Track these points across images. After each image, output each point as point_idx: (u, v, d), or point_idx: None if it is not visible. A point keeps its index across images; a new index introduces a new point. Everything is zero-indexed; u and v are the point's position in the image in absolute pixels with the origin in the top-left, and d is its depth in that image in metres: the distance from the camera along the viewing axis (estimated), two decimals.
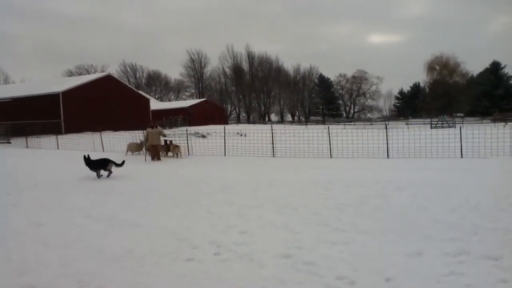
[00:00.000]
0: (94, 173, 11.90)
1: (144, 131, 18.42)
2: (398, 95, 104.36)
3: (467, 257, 4.67)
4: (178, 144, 18.98)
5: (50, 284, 4.24)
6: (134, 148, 19.79)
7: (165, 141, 18.75)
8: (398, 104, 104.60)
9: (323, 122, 76.90)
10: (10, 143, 28.32)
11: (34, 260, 4.92)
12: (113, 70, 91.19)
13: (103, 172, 12.07)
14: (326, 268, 4.46)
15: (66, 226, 6.56)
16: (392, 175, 11.18)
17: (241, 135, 26.30)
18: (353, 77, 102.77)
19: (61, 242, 5.66)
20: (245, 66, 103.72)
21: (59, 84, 42.85)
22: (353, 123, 70.12)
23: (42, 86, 43.55)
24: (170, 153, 18.83)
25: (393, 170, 12.45)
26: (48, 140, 25.75)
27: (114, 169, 12.17)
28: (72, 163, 16.43)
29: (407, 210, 6.99)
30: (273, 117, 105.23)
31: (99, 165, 12.07)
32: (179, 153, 18.46)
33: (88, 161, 12.16)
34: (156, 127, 17.90)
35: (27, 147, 25.75)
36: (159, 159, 17.32)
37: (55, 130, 30.88)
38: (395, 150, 16.75)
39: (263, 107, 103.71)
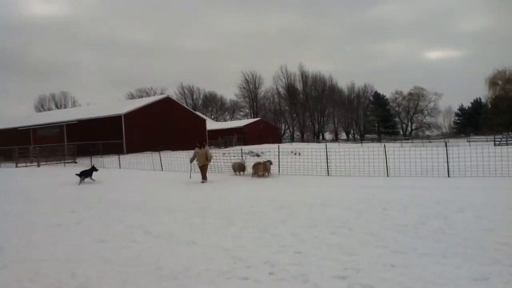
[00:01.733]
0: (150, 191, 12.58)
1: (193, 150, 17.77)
2: (458, 112, 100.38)
3: None
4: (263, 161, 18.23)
5: None
6: (237, 168, 19.02)
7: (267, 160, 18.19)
8: (458, 121, 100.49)
9: (378, 140, 75.11)
10: (76, 162, 29.92)
11: (96, 277, 5.14)
12: (172, 92, 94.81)
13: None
14: None
15: (126, 243, 6.81)
16: (453, 194, 10.71)
17: (295, 154, 26.23)
18: (410, 94, 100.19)
19: (122, 259, 5.87)
20: (299, 85, 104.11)
21: (121, 106, 44.95)
22: (410, 141, 67.86)
23: (106, 108, 45.88)
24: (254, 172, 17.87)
25: (454, 189, 11.91)
26: (111, 160, 26.94)
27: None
28: (132, 181, 17.10)
29: (470, 232, 6.65)
30: (327, 135, 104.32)
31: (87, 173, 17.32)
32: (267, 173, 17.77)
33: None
34: (204, 147, 17.28)
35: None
36: (204, 179, 16.55)
37: (117, 150, 32.30)
38: (456, 169, 16.05)
39: (317, 126, 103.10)
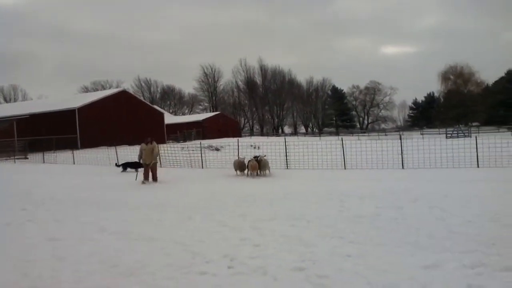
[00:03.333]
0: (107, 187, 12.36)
1: (139, 146, 15.79)
2: (413, 105, 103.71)
3: (485, 269, 4.57)
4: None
5: None
6: (238, 166, 16.47)
7: (256, 157, 15.79)
8: (412, 114, 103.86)
9: (336, 134, 76.58)
10: (27, 158, 28.79)
11: (50, 276, 4.95)
12: (128, 85, 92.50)
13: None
14: (341, 282, 4.40)
15: (81, 241, 6.60)
16: (407, 186, 11.06)
17: (254, 148, 26.32)
18: (367, 88, 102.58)
19: (76, 257, 5.69)
20: (258, 79, 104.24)
21: (75, 100, 43.55)
22: (367, 134, 69.58)
23: (59, 102, 44.30)
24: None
25: (409, 180, 12.31)
26: (65, 155, 26.09)
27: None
28: (86, 178, 16.61)
29: (423, 222, 6.88)
30: (287, 129, 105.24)
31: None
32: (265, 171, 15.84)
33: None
34: (151, 143, 15.19)
35: (43, 162, 26.12)
36: (155, 180, 14.76)
37: (71, 145, 31.32)
38: (410, 161, 16.59)
39: (277, 120, 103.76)
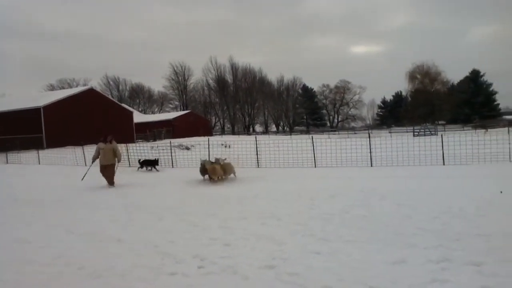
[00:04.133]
0: (73, 188, 12.16)
1: (96, 145, 14.15)
2: (381, 104, 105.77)
3: (450, 264, 4.70)
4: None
5: None
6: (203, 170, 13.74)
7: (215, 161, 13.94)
8: (381, 113, 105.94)
9: (307, 132, 77.31)
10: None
11: (14, 279, 4.82)
12: (96, 83, 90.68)
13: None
14: (311, 279, 4.44)
15: (47, 243, 6.42)
16: (375, 183, 11.24)
17: (225, 146, 26.26)
18: (336, 87, 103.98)
19: (43, 259, 5.53)
20: (229, 77, 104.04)
21: (40, 98, 42.37)
22: (337, 133, 70.57)
23: (23, 100, 42.97)
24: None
25: (377, 178, 12.52)
26: (29, 155, 25.35)
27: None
28: (53, 178, 16.20)
29: (391, 219, 7.01)
30: (258, 127, 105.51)
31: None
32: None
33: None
34: (111, 142, 13.71)
35: (7, 162, 25.30)
36: (111, 184, 13.40)
37: (37, 145, 30.47)
38: (379, 159, 16.89)
39: (248, 118, 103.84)
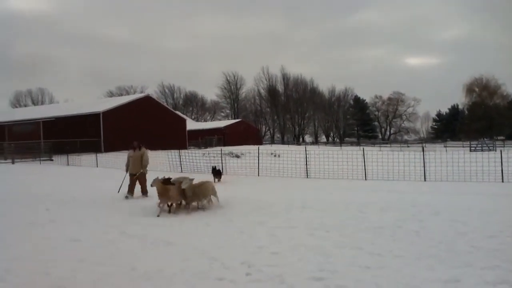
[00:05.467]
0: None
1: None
2: (436, 117, 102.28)
3: (508, 286, 4.47)
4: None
5: None
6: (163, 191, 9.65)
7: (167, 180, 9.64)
8: (436, 126, 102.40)
9: (358, 144, 75.98)
10: (52, 160, 29.40)
11: (70, 276, 5.04)
12: (152, 91, 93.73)
13: None
14: None
15: (101, 243, 6.73)
16: (429, 198, 10.89)
17: (275, 156, 26.31)
18: (389, 98, 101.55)
19: (96, 259, 5.80)
20: (280, 87, 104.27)
21: (100, 104, 44.32)
22: (389, 145, 68.88)
23: (84, 106, 45.17)
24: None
25: (430, 193, 12.13)
26: (88, 158, 26.56)
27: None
28: (107, 181, 16.86)
29: (444, 235, 6.76)
30: (307, 138, 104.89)
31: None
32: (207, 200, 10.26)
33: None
34: (140, 148, 12.60)
35: (68, 164, 26.63)
36: (133, 192, 12.24)
37: (95, 148, 31.85)
38: (433, 173, 16.34)
39: (297, 128, 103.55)
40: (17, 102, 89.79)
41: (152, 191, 10.80)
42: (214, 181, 15.74)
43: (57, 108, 50.06)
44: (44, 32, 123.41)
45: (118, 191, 12.42)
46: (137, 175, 12.26)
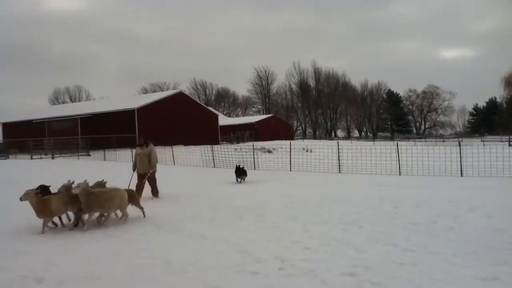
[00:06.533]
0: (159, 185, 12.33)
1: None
2: (473, 111, 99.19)
3: None
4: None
5: None
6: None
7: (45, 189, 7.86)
8: (472, 120, 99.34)
9: (391, 138, 74.66)
10: (89, 155, 30.29)
11: (105, 268, 5.22)
12: (185, 87, 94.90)
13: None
14: None
15: (135, 236, 6.93)
16: (465, 194, 10.64)
17: (307, 151, 26.22)
18: (424, 92, 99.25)
19: (130, 251, 5.98)
20: (311, 82, 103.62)
21: (134, 100, 45.30)
22: (423, 140, 67.34)
23: (119, 102, 46.27)
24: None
25: (467, 189, 11.83)
26: (124, 153, 27.19)
27: None
28: None
29: (481, 232, 6.61)
30: (340, 133, 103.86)
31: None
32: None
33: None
34: (147, 145, 11.46)
35: (104, 159, 27.36)
36: (155, 194, 11.39)
37: (131, 144, 32.57)
38: (470, 168, 15.92)
39: (329, 123, 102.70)
40: (55, 99, 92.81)
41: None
42: (238, 181, 14.31)
43: (93, 105, 51.49)
44: (80, 31, 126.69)
45: None
46: (145, 176, 11.22)
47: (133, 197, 8.66)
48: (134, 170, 11.52)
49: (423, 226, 7.12)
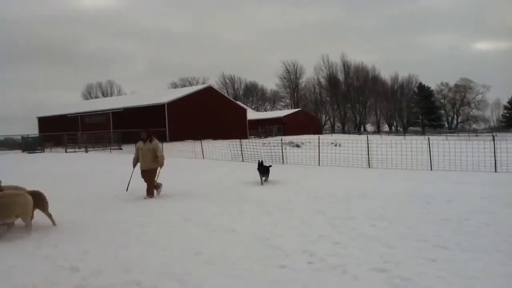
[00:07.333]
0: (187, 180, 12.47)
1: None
2: (508, 105, 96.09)
3: None
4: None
5: (153, 281, 4.55)
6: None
7: None
8: (507, 114, 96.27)
9: (422, 133, 73.20)
10: (121, 149, 30.91)
11: (139, 259, 5.35)
12: (213, 81, 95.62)
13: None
14: (423, 286, 4.27)
15: (167, 228, 7.06)
16: (500, 190, 10.34)
17: (335, 145, 25.99)
18: (456, 85, 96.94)
19: (163, 243, 6.09)
20: (340, 76, 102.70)
21: (164, 95, 45.89)
22: (456, 134, 65.74)
23: (150, 97, 46.99)
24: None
25: (501, 185, 11.49)
26: None
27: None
28: (173, 170, 17.46)
29: None
30: (369, 127, 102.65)
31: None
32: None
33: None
34: (151, 140, 10.77)
35: None
36: (149, 193, 10.41)
37: (160, 138, 32.99)
38: (504, 164, 15.44)
39: (359, 117, 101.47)
40: (88, 94, 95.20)
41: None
42: (262, 180, 12.76)
43: (125, 100, 52.47)
44: (112, 27, 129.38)
45: (127, 189, 10.86)
46: (148, 171, 10.52)
47: (40, 200, 7.21)
48: (134, 167, 10.89)
49: (455, 223, 6.96)
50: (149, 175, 10.51)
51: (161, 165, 10.61)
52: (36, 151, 31.04)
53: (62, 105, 60.34)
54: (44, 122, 49.74)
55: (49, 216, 7.25)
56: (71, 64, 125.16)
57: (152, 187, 10.52)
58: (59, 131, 36.32)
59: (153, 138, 10.80)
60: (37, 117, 52.28)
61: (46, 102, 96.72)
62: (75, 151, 30.30)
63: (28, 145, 32.56)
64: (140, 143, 10.82)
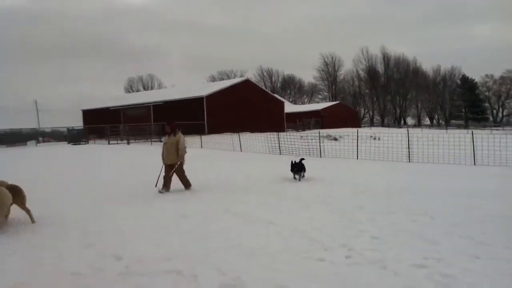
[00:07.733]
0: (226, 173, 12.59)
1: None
2: None
3: None
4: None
5: (193, 270, 4.65)
6: None
7: None
8: None
9: (465, 126, 70.84)
10: (161, 141, 31.52)
11: (179, 249, 5.48)
12: (251, 74, 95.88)
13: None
14: (466, 283, 4.18)
15: (207, 220, 7.19)
16: None
17: (374, 139, 25.59)
18: (502, 77, 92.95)
19: (203, 234, 6.21)
20: (380, 68, 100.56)
21: (203, 88, 46.45)
22: (501, 128, 63.23)
23: (189, 90, 47.65)
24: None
25: None
26: (193, 140, 28.07)
27: None
28: (212, 162, 17.72)
29: None
30: (409, 120, 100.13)
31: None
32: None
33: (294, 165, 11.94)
34: (174, 133, 10.44)
35: None
36: (169, 186, 10.27)
37: (199, 130, 33.56)
38: None
39: (399, 110, 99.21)
40: (129, 87, 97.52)
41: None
42: (295, 179, 11.91)
43: (165, 93, 53.46)
44: (152, 22, 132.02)
45: (156, 185, 10.62)
46: (173, 167, 10.28)
47: (18, 195, 6.91)
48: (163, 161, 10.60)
49: (501, 219, 6.74)
50: (177, 170, 10.33)
51: (181, 157, 10.27)
52: (81, 142, 32.19)
53: (105, 99, 62.13)
54: (88, 115, 51.45)
55: (27, 211, 6.96)
56: (114, 58, 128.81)
57: (170, 181, 10.29)
58: (102, 124, 37.49)
59: (177, 131, 10.47)
60: (81, 110, 54.13)
61: (89, 96, 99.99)
62: (117, 143, 31.21)
63: (73, 137, 33.83)
64: (164, 138, 10.62)
